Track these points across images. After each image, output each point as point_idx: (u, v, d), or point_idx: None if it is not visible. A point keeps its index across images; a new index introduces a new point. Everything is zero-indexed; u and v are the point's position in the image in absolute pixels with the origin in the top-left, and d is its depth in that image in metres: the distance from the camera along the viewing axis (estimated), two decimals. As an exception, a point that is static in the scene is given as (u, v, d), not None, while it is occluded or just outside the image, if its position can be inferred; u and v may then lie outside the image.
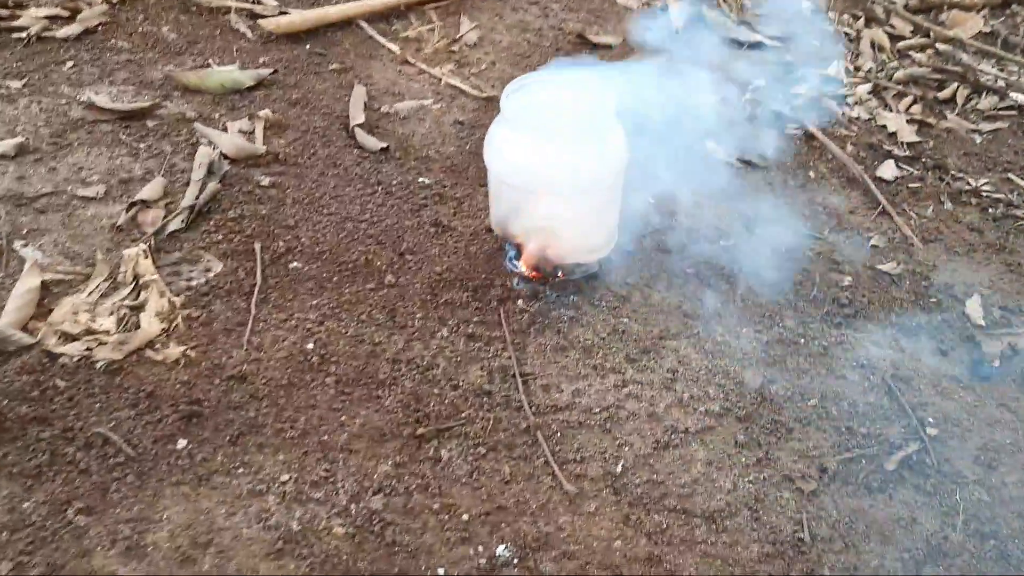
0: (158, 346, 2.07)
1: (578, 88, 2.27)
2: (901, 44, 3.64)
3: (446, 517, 1.83)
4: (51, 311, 2.10)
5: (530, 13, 3.50)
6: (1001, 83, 3.40)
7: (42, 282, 2.15)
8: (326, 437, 1.95)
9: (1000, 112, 3.27)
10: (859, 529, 1.88)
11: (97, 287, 2.17)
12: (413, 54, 3.18)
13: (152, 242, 2.29)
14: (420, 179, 2.64)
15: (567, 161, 2.17)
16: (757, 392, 2.14)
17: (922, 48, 3.64)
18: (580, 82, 2.27)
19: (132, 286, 2.17)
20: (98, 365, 2.00)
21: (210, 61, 2.97)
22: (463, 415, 2.03)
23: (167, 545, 1.72)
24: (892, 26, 3.76)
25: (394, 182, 2.62)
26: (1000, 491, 1.98)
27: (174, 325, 2.12)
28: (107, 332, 2.06)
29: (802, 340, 2.29)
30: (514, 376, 2.11)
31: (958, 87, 3.36)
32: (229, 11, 3.21)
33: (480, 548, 1.79)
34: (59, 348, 2.02)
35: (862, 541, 1.86)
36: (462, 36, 3.29)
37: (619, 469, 1.95)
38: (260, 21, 3.13)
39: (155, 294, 2.15)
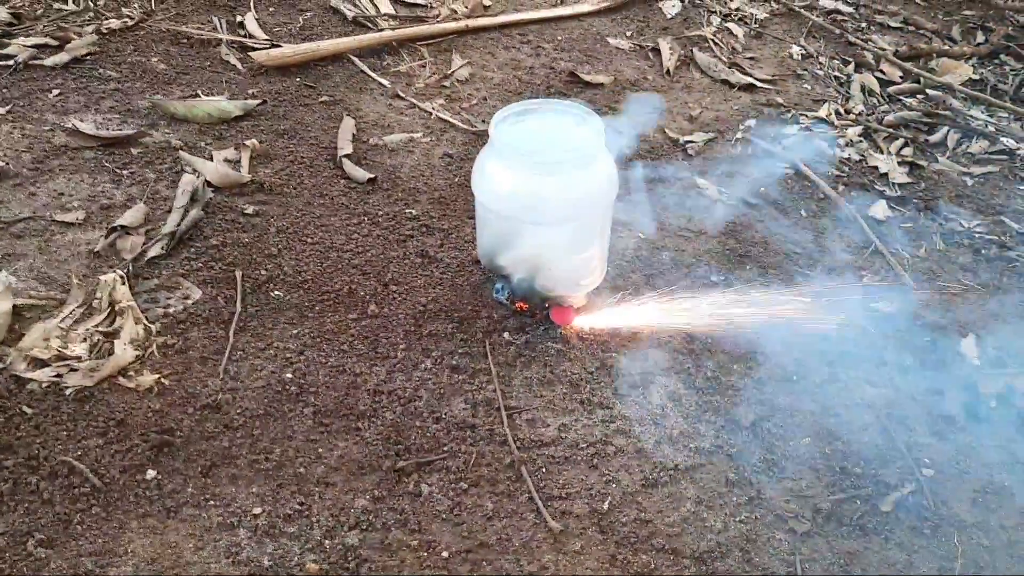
0: (131, 373, 2.00)
1: (567, 117, 2.24)
2: (891, 89, 3.65)
3: (425, 554, 1.76)
4: (22, 336, 2.04)
5: (522, 52, 3.50)
6: (991, 128, 3.40)
7: (14, 307, 2.08)
8: (302, 469, 1.88)
9: (991, 156, 3.26)
10: (854, 572, 1.81)
11: (71, 313, 2.11)
12: (404, 88, 3.17)
13: (130, 268, 2.23)
14: (407, 210, 2.60)
15: (556, 190, 2.13)
16: (748, 430, 2.08)
17: (912, 93, 3.65)
18: (569, 110, 2.24)
19: (107, 312, 2.11)
20: (68, 392, 1.93)
21: (198, 92, 2.94)
22: (445, 449, 1.96)
23: (130, 580, 1.64)
24: (882, 72, 3.77)
25: (380, 213, 2.58)
26: (999, 535, 1.92)
27: (149, 352, 2.05)
28: (79, 358, 2.00)
29: (795, 377, 2.23)
30: (499, 409, 2.05)
31: (948, 131, 3.36)
32: (220, 43, 3.19)
33: (460, 587, 1.71)
34: (28, 373, 1.95)
35: (857, 584, 1.79)
36: (453, 72, 3.28)
37: (606, 506, 1.88)
38: (251, 54, 3.12)
39: (130, 320, 2.09)
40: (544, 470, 1.94)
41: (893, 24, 4.23)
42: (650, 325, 2.30)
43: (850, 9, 4.29)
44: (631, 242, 2.59)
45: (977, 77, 3.81)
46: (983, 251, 2.76)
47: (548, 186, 2.14)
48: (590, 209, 2.20)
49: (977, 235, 2.83)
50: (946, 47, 4.02)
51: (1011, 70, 3.91)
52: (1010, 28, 4.19)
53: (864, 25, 4.19)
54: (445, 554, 1.76)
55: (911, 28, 4.22)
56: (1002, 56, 4.03)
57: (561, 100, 2.30)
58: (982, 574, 1.83)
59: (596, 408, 2.09)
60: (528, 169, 2.14)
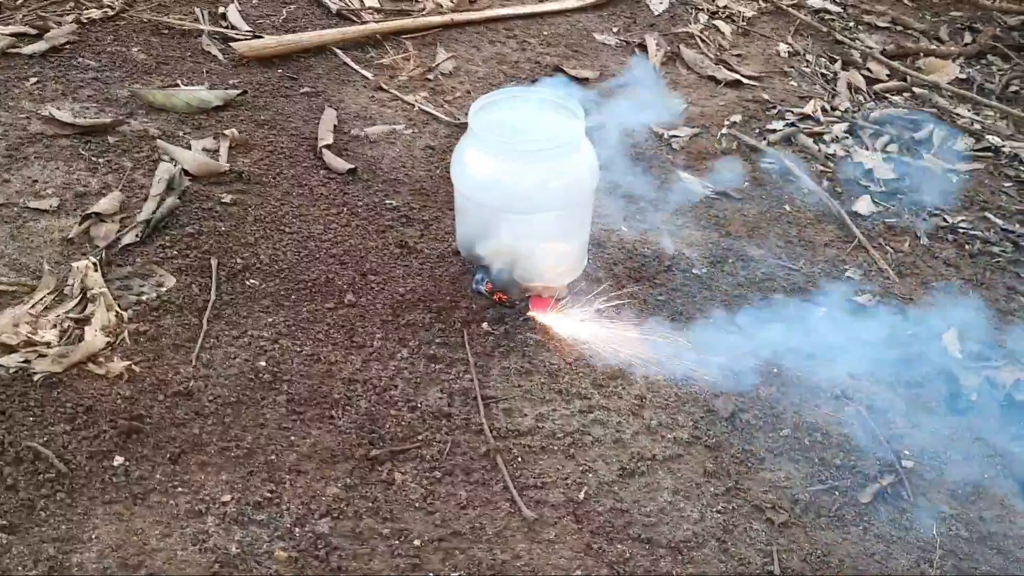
0: (101, 360, 1.97)
1: (548, 105, 2.22)
2: (878, 86, 3.65)
3: (396, 542, 1.73)
4: (-9, 322, 2.00)
5: (508, 46, 3.48)
6: (977, 126, 3.40)
7: (-16, 292, 2.05)
8: (273, 457, 1.85)
9: (976, 153, 3.25)
10: (832, 563, 1.79)
11: (42, 299, 2.07)
12: (387, 81, 3.14)
13: (103, 255, 2.20)
14: (387, 201, 2.58)
15: (536, 179, 2.11)
16: (728, 421, 2.06)
17: (899, 91, 3.64)
18: (551, 97, 2.22)
19: (79, 299, 2.08)
20: (36, 378, 1.90)
21: (179, 81, 2.91)
22: (420, 437, 1.93)
23: (94, 566, 1.61)
24: (869, 70, 3.77)
25: (360, 203, 2.55)
26: (978, 526, 1.90)
27: (120, 339, 2.02)
28: (48, 344, 1.96)
29: (775, 370, 2.21)
30: (475, 399, 2.03)
31: (934, 128, 3.34)
32: (201, 34, 3.16)
33: (431, 576, 1.68)
34: (-5, 359, 1.92)
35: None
36: (438, 65, 3.26)
37: (582, 496, 1.85)
38: (232, 44, 3.09)
39: (102, 307, 2.05)
40: (520, 459, 1.92)
41: (881, 24, 4.23)
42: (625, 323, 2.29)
43: (838, 8, 4.29)
44: (613, 235, 2.57)
45: (964, 76, 3.81)
46: (967, 246, 2.75)
47: (528, 175, 2.13)
48: (570, 199, 2.18)
49: (961, 231, 2.81)
50: (933, 47, 4.02)
51: (998, 70, 3.92)
52: (998, 29, 4.19)
53: (852, 24, 4.18)
54: (417, 542, 1.73)
55: (899, 28, 4.22)
56: (989, 56, 4.03)
57: (542, 87, 2.27)
58: (960, 566, 1.81)
59: (574, 398, 2.07)
60: (508, 157, 2.12)
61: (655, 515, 1.83)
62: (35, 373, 1.91)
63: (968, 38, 4.18)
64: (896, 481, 1.97)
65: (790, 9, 4.10)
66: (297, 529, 1.72)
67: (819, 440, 2.05)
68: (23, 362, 1.92)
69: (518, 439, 1.96)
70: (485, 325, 2.21)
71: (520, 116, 2.21)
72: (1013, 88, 3.78)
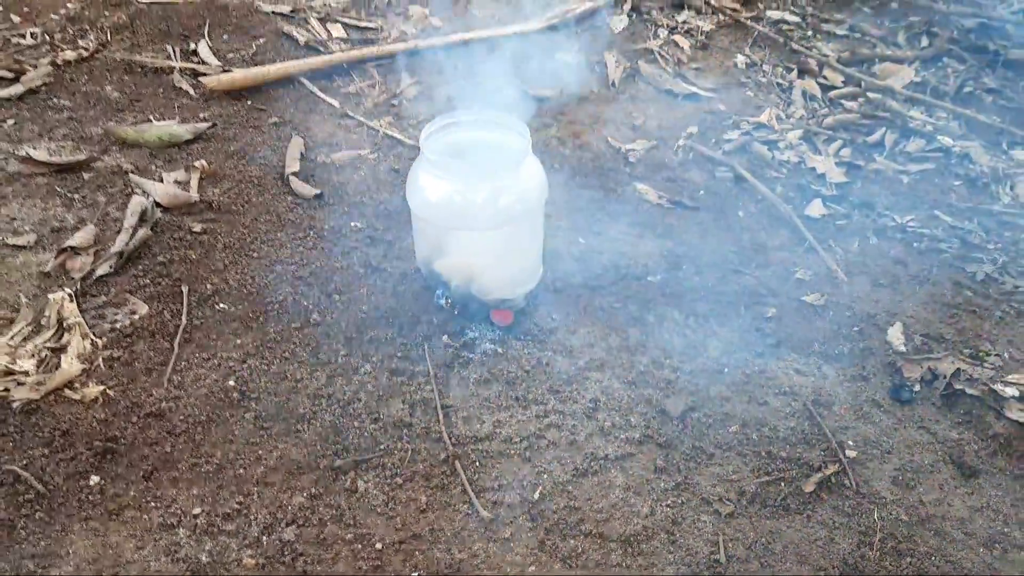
0: (77, 386, 2.07)
1: (495, 125, 2.33)
2: (833, 93, 3.75)
3: (359, 546, 1.82)
4: (-29, 354, 2.10)
5: (470, 68, 3.59)
6: (929, 127, 3.50)
7: (-36, 327, 2.15)
8: (242, 471, 1.94)
9: (927, 154, 3.36)
10: (775, 549, 1.88)
11: (20, 331, 2.17)
12: (353, 108, 3.26)
13: (79, 287, 2.31)
14: (352, 223, 2.68)
15: (484, 197, 2.22)
16: (679, 420, 2.16)
17: (853, 96, 3.75)
18: (497, 119, 2.34)
19: (55, 329, 2.18)
20: (14, 405, 2.00)
21: (151, 117, 3.02)
22: (382, 447, 2.03)
23: (71, 579, 1.70)
24: (825, 77, 3.88)
25: (326, 227, 2.66)
26: (918, 510, 1.99)
27: (95, 365, 2.12)
28: (26, 373, 2.06)
29: (725, 369, 2.31)
30: (436, 409, 2.12)
31: (886, 131, 3.46)
32: (173, 71, 3.28)
33: (392, 576, 1.77)
34: (-25, 389, 2.02)
35: (778, 561, 1.86)
36: (402, 91, 3.37)
37: (536, 496, 1.94)
38: (202, 79, 3.21)
39: (77, 336, 2.16)
40: (478, 464, 2.01)
41: (839, 32, 4.34)
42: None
43: (796, 19, 4.40)
44: (572, 247, 2.67)
45: (919, 80, 3.92)
46: (915, 244, 2.84)
47: (477, 193, 2.23)
48: (520, 213, 2.28)
49: (910, 229, 2.91)
50: (890, 52, 4.14)
51: (953, 72, 4.02)
52: (954, 32, 4.30)
53: (810, 34, 4.30)
54: (379, 546, 1.82)
55: (857, 35, 4.33)
56: (945, 59, 4.14)
57: (488, 111, 2.38)
58: (899, 547, 1.90)
59: (531, 404, 2.16)
60: (457, 177, 2.23)
61: (607, 511, 1.93)
62: (14, 401, 2.01)
63: (925, 42, 4.29)
64: (840, 470, 2.06)
65: (748, 22, 4.22)
66: (264, 537, 1.82)
67: (766, 434, 2.14)
68: (2, 391, 2.02)
69: (476, 445, 2.05)
70: (445, 338, 2.31)
71: (468, 137, 2.32)
72: (967, 89, 3.89)
